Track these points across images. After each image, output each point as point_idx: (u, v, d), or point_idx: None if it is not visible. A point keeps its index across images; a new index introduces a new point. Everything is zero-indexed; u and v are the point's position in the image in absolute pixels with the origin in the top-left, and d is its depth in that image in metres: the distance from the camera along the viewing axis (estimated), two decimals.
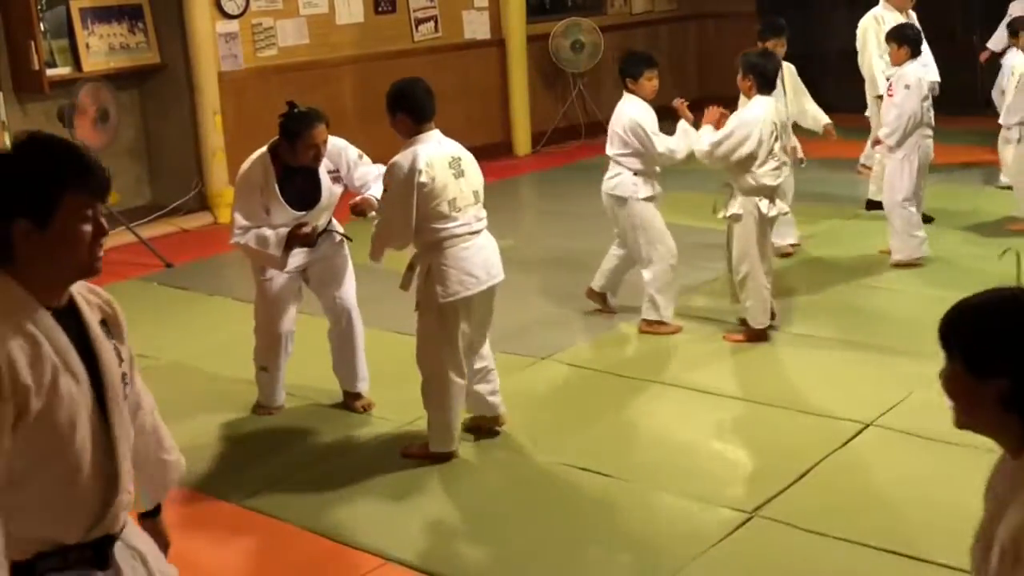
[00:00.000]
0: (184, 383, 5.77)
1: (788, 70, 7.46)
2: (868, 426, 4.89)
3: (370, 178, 5.18)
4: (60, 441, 2.20)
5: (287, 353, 5.32)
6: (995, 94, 9.70)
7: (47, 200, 2.17)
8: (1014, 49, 8.52)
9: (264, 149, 5.07)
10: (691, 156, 6.06)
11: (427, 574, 3.93)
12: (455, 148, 4.79)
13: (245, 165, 5.08)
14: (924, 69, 7.27)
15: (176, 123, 9.40)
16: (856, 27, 9.50)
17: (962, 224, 8.29)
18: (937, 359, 2.10)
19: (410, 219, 4.56)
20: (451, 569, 3.95)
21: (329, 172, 5.15)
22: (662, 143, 6.06)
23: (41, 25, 8.67)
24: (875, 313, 6.36)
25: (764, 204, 5.82)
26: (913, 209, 7.16)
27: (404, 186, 4.56)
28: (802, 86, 7.60)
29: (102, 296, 2.44)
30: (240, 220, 5.01)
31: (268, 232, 4.97)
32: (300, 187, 5.05)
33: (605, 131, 12.68)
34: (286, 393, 5.43)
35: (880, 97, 7.96)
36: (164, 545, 2.70)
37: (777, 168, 5.83)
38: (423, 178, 4.52)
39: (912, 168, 7.11)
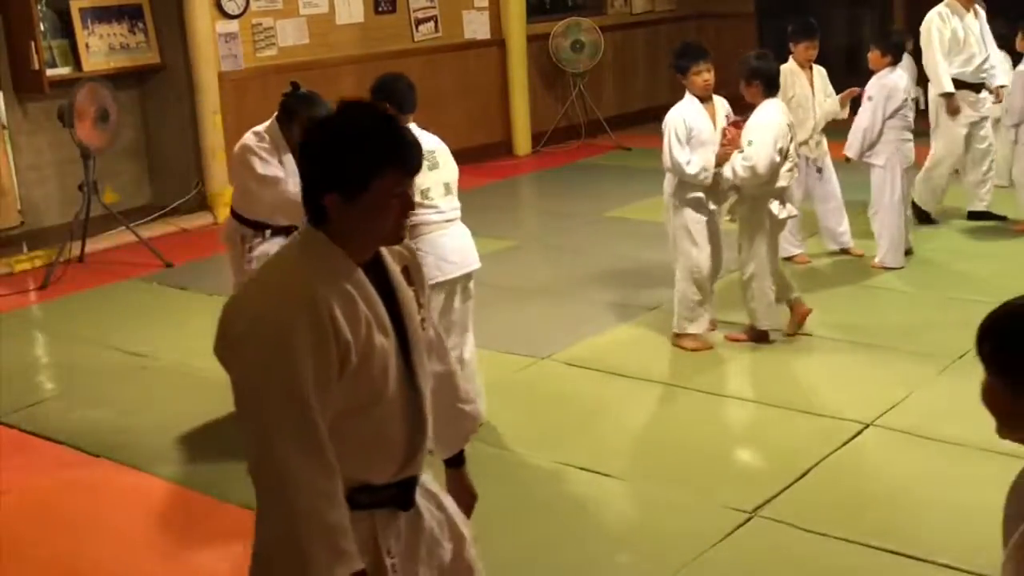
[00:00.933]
0: (184, 383, 5.76)
1: (819, 73, 7.36)
2: (868, 426, 4.89)
3: None
4: (375, 392, 2.28)
5: None
6: None
7: (360, 180, 2.21)
8: None
9: (267, 123, 5.08)
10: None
11: None
12: (431, 141, 4.94)
13: (252, 135, 5.06)
14: (901, 78, 7.21)
15: (176, 123, 9.41)
16: (856, 26, 9.51)
17: (963, 225, 8.30)
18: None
19: None
20: None
21: None
22: (678, 154, 5.65)
23: (41, 25, 8.67)
24: (875, 313, 6.36)
25: (775, 206, 5.75)
26: (900, 220, 7.14)
27: None
28: (831, 89, 7.44)
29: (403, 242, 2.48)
30: (279, 174, 4.91)
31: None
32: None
33: (605, 131, 12.78)
34: None
35: (944, 95, 7.90)
36: (470, 497, 2.78)
37: (790, 169, 5.77)
38: None
39: (895, 176, 7.10)
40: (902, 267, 7.09)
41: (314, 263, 2.24)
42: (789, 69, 7.18)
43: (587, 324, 6.37)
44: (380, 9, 10.71)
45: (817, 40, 7.28)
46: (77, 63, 8.97)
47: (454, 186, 4.90)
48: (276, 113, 5.10)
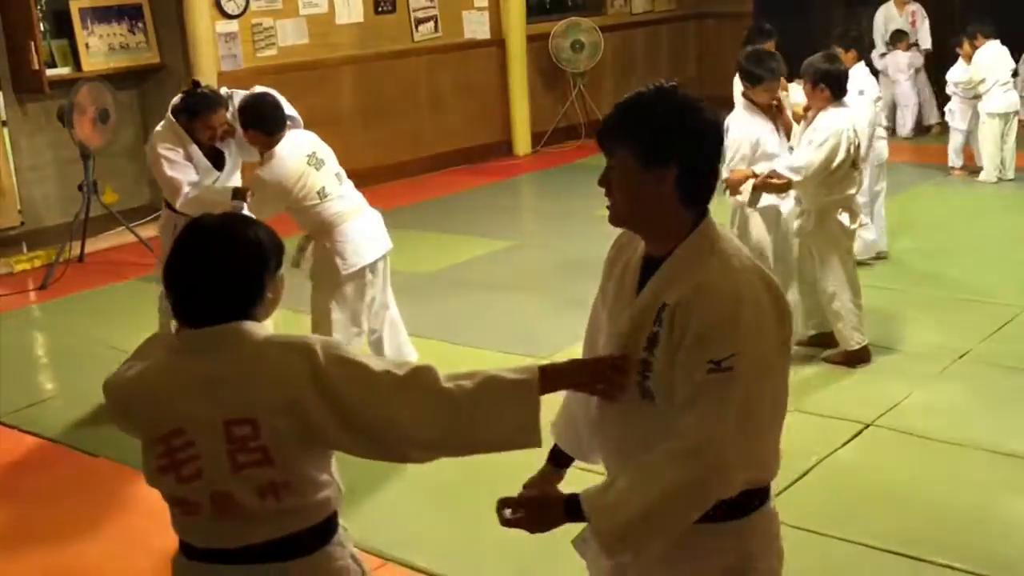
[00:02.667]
0: None
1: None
2: (868, 426, 4.89)
3: None
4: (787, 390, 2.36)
5: None
6: None
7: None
8: None
9: (169, 120, 5.30)
10: None
11: (427, 574, 3.93)
12: (309, 142, 5.09)
13: (159, 134, 5.32)
14: (868, 78, 7.23)
15: None
16: (856, 26, 9.54)
17: (963, 225, 8.31)
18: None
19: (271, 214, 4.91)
20: (451, 569, 3.95)
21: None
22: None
23: (41, 25, 8.67)
24: (874, 313, 6.35)
25: (845, 217, 5.42)
26: (865, 216, 7.13)
27: (273, 199, 4.97)
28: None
29: None
30: (182, 179, 5.20)
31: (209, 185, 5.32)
32: (205, 153, 5.37)
33: None
34: None
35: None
36: None
37: (859, 179, 5.45)
38: (292, 189, 4.93)
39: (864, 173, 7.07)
40: (867, 259, 7.07)
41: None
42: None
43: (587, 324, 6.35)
44: (380, 9, 10.71)
45: (774, 42, 7.36)
46: (77, 63, 8.97)
47: (344, 174, 5.09)
48: (169, 113, 5.32)
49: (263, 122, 4.98)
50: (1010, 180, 9.43)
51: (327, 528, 2.36)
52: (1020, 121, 9.69)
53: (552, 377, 2.37)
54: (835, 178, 5.37)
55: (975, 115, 9.57)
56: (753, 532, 2.28)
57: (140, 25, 9.30)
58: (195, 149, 5.30)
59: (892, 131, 11.31)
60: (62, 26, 9.00)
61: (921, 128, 11.66)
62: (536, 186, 10.88)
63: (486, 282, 7.40)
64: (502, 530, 4.19)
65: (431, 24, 11.18)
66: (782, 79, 5.60)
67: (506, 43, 11.65)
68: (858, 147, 5.43)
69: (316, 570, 2.33)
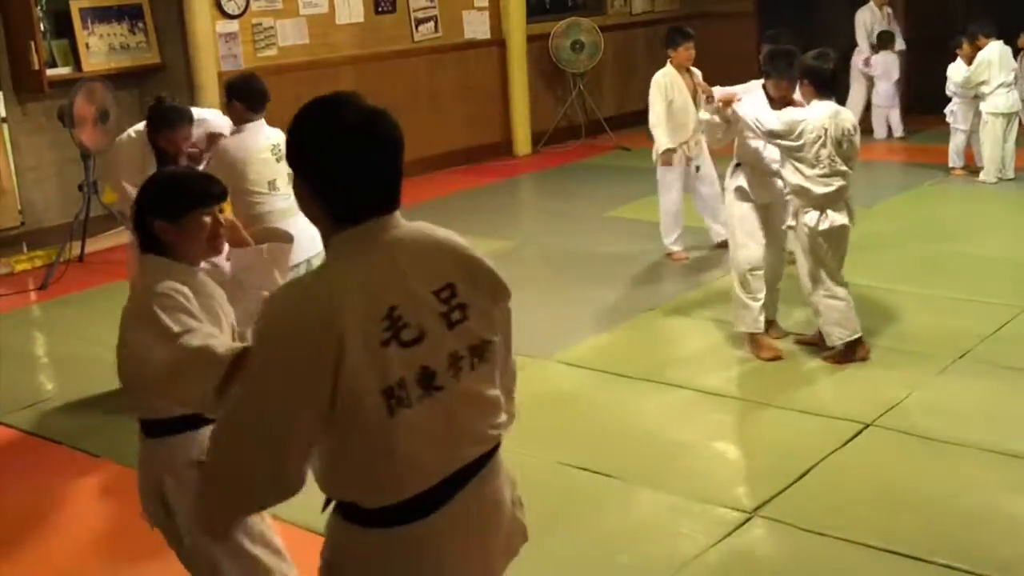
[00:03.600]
0: None
1: (697, 76, 7.47)
2: (868, 426, 4.88)
3: None
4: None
5: None
6: None
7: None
8: None
9: (141, 126, 5.38)
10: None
11: None
12: (277, 135, 5.26)
13: (123, 136, 5.49)
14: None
15: None
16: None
17: (963, 225, 8.31)
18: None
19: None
20: None
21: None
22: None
23: (41, 25, 8.67)
24: (874, 313, 6.35)
25: (811, 216, 5.44)
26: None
27: (228, 168, 5.13)
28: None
29: None
30: (129, 189, 5.18)
31: None
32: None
33: (605, 130, 12.78)
34: None
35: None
36: None
37: (824, 176, 5.40)
38: (247, 169, 5.20)
39: None
40: None
41: None
42: (666, 73, 7.46)
43: (587, 324, 6.37)
44: (380, 9, 10.71)
45: (692, 42, 7.52)
46: (77, 63, 8.97)
47: (294, 177, 5.12)
48: (146, 122, 5.36)
49: (247, 95, 5.26)
50: (1010, 180, 9.43)
51: None
52: (1021, 122, 9.71)
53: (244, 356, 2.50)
54: (796, 164, 5.42)
55: (976, 115, 9.58)
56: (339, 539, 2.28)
57: (140, 25, 9.31)
58: (150, 158, 5.22)
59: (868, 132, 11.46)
60: (62, 26, 9.00)
61: (890, 133, 11.68)
62: (536, 186, 10.88)
63: None
64: None
65: (431, 24, 11.19)
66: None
67: (506, 43, 11.65)
68: (821, 144, 5.38)
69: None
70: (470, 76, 11.54)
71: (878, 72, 11.50)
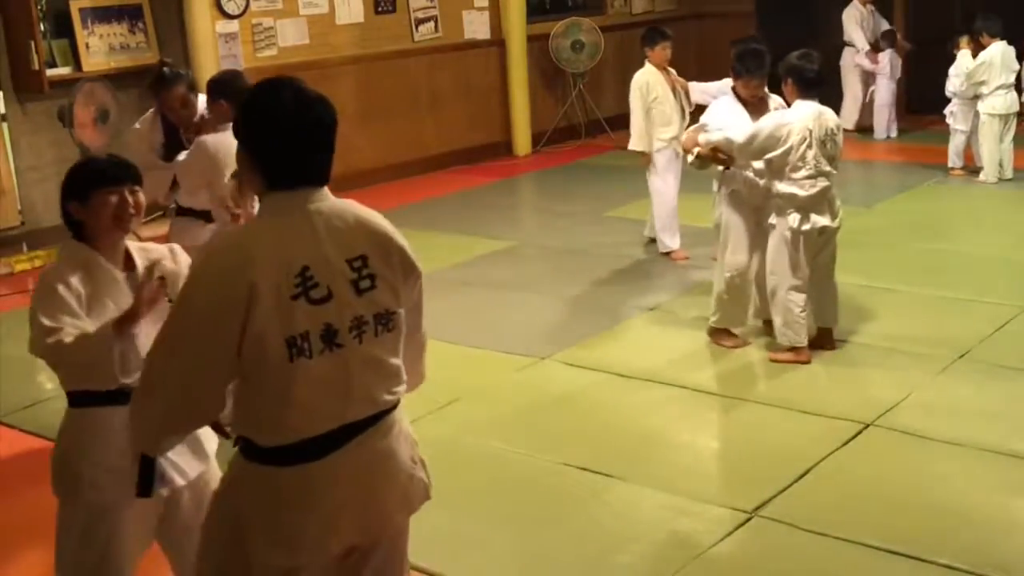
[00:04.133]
0: None
1: (673, 73, 7.62)
2: (868, 426, 4.88)
3: None
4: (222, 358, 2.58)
5: None
6: None
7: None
8: None
9: (148, 114, 5.56)
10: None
11: (427, 574, 3.93)
12: None
13: (131, 129, 5.69)
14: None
15: None
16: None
17: (963, 225, 8.31)
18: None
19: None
20: (450, 569, 3.95)
21: None
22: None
23: (41, 25, 8.67)
24: (874, 313, 6.36)
25: (793, 217, 5.47)
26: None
27: (205, 167, 5.11)
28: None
29: None
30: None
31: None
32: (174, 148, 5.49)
33: (605, 131, 12.78)
34: None
35: None
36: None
37: (810, 176, 5.43)
38: (225, 167, 4.99)
39: None
40: None
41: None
42: (646, 72, 7.53)
43: (587, 324, 6.37)
44: (380, 9, 10.72)
45: (670, 42, 7.59)
46: (77, 63, 8.97)
47: None
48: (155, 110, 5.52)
49: (235, 95, 4.97)
50: (1009, 180, 9.44)
51: None
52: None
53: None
54: (782, 170, 5.44)
55: (976, 116, 9.58)
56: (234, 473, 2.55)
57: (140, 25, 9.30)
58: (158, 136, 5.47)
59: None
60: (62, 26, 9.00)
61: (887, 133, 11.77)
62: (536, 186, 10.89)
63: (486, 282, 7.40)
64: (503, 530, 4.20)
65: (431, 24, 11.19)
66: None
67: (506, 43, 11.66)
68: (807, 145, 5.40)
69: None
70: (470, 76, 11.54)
71: (886, 70, 11.52)
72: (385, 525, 2.61)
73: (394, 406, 2.58)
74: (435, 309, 7.61)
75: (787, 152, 5.41)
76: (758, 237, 5.77)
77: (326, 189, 2.48)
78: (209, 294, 2.36)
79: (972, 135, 9.70)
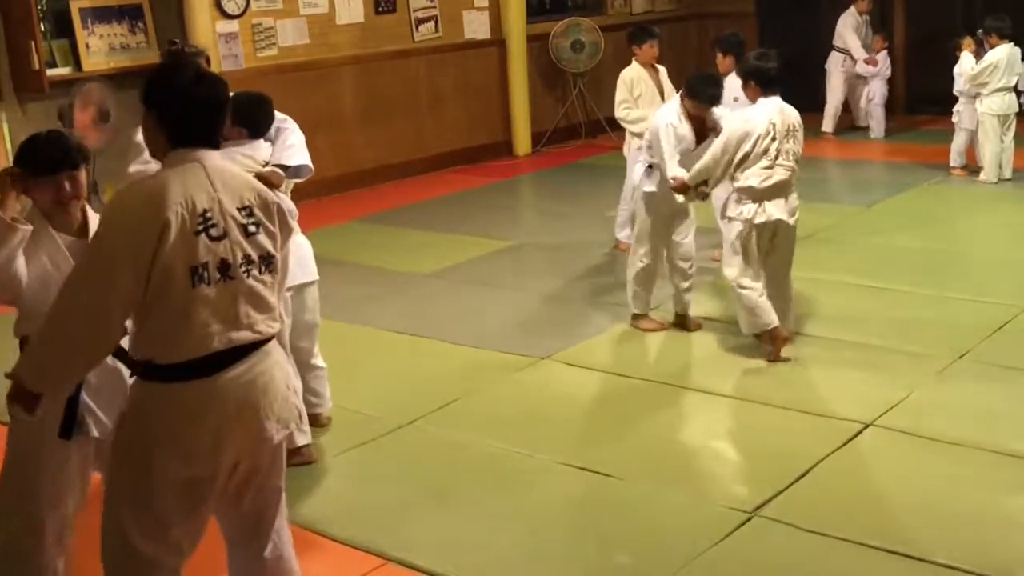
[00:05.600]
0: None
1: (663, 72, 7.75)
2: (868, 426, 4.89)
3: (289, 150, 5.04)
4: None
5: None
6: None
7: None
8: None
9: None
10: None
11: (427, 574, 3.93)
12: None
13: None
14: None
15: None
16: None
17: (963, 225, 8.31)
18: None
19: None
20: (450, 569, 3.95)
21: None
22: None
23: (41, 25, 8.67)
24: (875, 313, 6.36)
25: (748, 208, 5.62)
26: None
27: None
28: (671, 86, 7.65)
29: None
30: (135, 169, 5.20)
31: None
32: None
33: (605, 131, 12.77)
34: None
35: None
36: None
37: (768, 167, 5.57)
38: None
39: None
40: None
41: None
42: (632, 69, 7.64)
43: (587, 324, 6.37)
44: (380, 9, 10.71)
45: (657, 40, 7.69)
46: (77, 63, 8.97)
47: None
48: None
49: (252, 124, 4.88)
50: (1009, 180, 9.44)
51: None
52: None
53: None
54: (743, 165, 5.62)
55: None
56: (135, 395, 2.99)
57: (140, 25, 9.30)
58: None
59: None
60: (62, 26, 9.00)
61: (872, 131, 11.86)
62: (536, 186, 10.89)
63: (486, 282, 7.40)
64: (502, 530, 4.21)
65: (431, 24, 11.19)
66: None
67: (506, 43, 11.65)
68: (771, 140, 5.57)
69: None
70: (470, 76, 11.54)
71: (883, 71, 11.54)
72: (264, 440, 3.02)
73: (271, 337, 3.01)
74: (436, 309, 7.64)
75: (753, 146, 5.58)
76: (670, 232, 6.13)
77: (216, 152, 2.98)
78: (125, 229, 2.79)
79: (975, 134, 9.70)
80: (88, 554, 3.33)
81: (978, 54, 9.50)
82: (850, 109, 12.04)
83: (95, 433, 3.40)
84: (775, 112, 5.62)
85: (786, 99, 5.70)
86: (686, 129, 5.99)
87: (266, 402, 2.99)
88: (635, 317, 6.31)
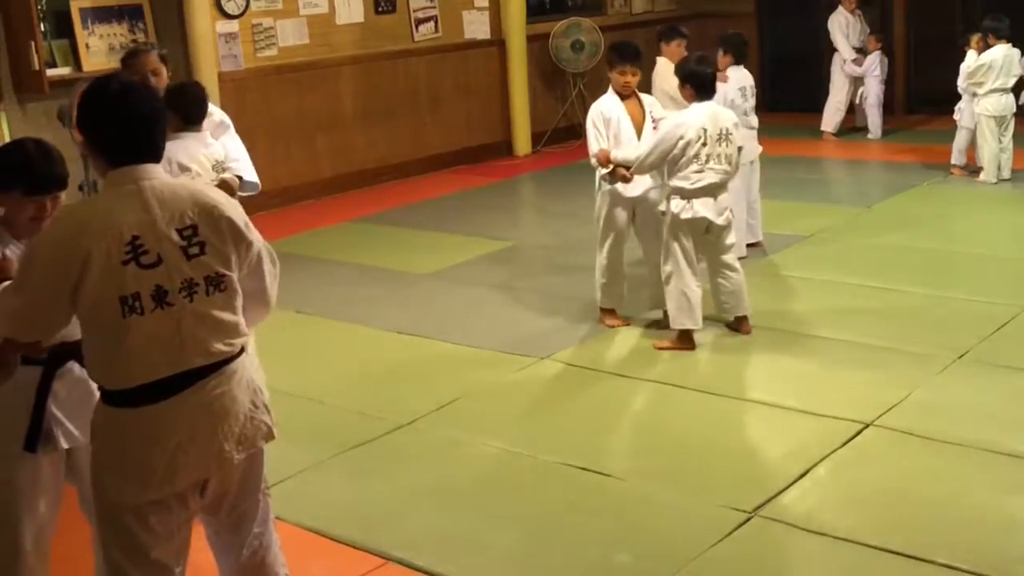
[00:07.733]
0: None
1: (656, 72, 7.70)
2: (868, 426, 4.89)
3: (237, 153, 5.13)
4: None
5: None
6: None
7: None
8: None
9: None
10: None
11: (427, 574, 3.93)
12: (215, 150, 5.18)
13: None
14: (736, 78, 7.40)
15: None
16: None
17: (963, 225, 8.31)
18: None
19: None
20: (451, 569, 3.95)
21: None
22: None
23: (41, 25, 8.67)
24: (875, 313, 6.36)
25: (676, 203, 5.78)
26: (742, 212, 7.27)
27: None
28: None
29: None
30: None
31: None
32: None
33: None
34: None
35: None
36: None
37: (699, 171, 5.70)
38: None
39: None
40: (744, 256, 7.09)
41: None
42: (663, 63, 7.53)
43: (587, 324, 6.37)
44: (380, 9, 10.72)
45: (686, 41, 7.58)
46: (77, 63, 8.97)
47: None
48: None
49: (183, 108, 4.90)
50: (1008, 180, 9.44)
51: None
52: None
53: None
54: (676, 167, 5.74)
55: None
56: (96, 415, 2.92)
57: (140, 25, 9.30)
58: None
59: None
60: (62, 26, 9.00)
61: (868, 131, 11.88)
62: (536, 186, 10.89)
63: (486, 282, 7.40)
64: (502, 530, 4.21)
65: (431, 24, 11.19)
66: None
67: (506, 43, 11.66)
68: (701, 143, 5.68)
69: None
70: (470, 76, 11.54)
71: (876, 72, 11.55)
72: (223, 461, 2.93)
73: (232, 356, 2.92)
74: (436, 309, 7.65)
75: (684, 149, 5.68)
76: (632, 229, 6.24)
77: (158, 167, 2.87)
78: (48, 258, 2.75)
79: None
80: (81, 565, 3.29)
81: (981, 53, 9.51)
82: (853, 110, 12.04)
83: (64, 444, 3.31)
84: (707, 117, 5.73)
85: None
86: (618, 110, 6.09)
87: (225, 425, 2.89)
88: (601, 312, 6.38)
